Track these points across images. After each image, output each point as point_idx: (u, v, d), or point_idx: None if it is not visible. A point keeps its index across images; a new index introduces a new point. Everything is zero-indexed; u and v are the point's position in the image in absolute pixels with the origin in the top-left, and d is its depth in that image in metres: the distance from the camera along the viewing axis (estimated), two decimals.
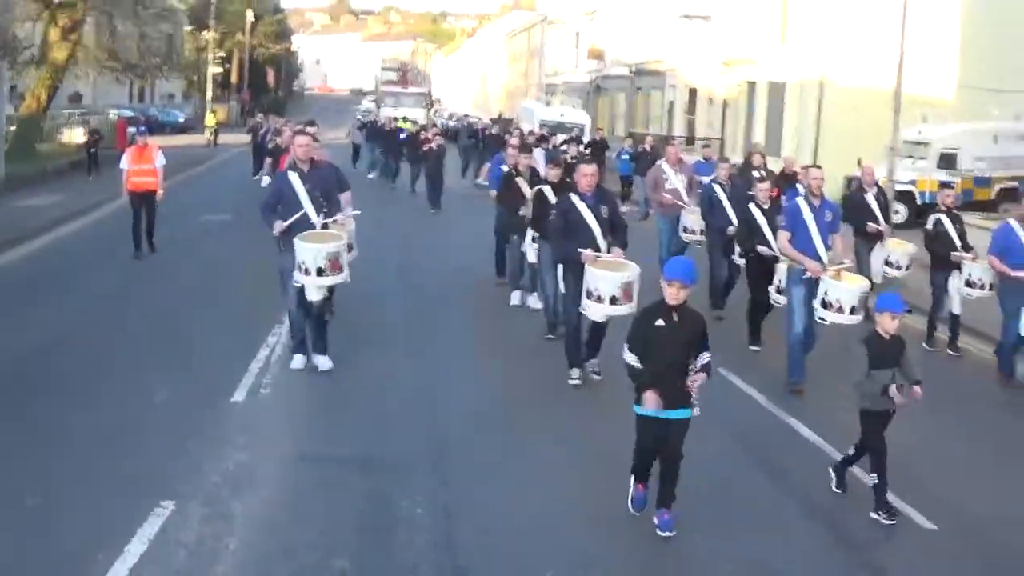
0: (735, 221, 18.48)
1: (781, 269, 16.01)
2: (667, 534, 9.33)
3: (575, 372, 14.28)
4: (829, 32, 42.42)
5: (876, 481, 10.26)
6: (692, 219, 20.60)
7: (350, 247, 15.07)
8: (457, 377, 14.40)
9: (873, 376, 10.16)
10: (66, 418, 11.61)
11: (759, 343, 17.00)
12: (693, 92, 58.64)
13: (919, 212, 31.00)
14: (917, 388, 10.20)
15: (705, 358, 9.35)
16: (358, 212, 15.49)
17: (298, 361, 14.13)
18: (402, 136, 42.01)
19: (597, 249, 13.80)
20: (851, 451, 10.71)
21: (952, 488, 11.15)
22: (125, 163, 22.96)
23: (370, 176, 44.01)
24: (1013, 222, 16.44)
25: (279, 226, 13.57)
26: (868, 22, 39.81)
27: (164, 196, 23.34)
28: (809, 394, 14.27)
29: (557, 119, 55.95)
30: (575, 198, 14.16)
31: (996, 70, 37.01)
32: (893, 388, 10.02)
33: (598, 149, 40.96)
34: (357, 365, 14.33)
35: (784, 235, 15.02)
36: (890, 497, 10.18)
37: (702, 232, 20.29)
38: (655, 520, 9.39)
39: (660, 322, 9.29)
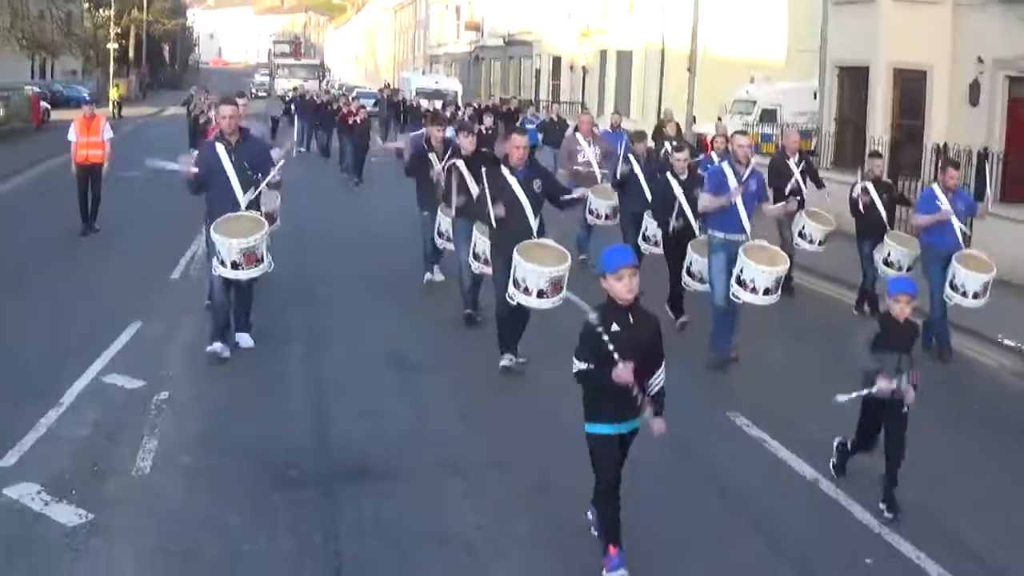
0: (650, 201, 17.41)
1: (694, 249, 15.43)
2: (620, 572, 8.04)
3: (506, 357, 13.43)
4: (670, 3, 46.78)
5: (841, 448, 10.38)
6: (600, 202, 19.32)
7: (272, 218, 15.10)
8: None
9: (877, 357, 9.67)
10: (65, 286, 17.50)
11: (683, 314, 16.05)
12: (557, 60, 64.51)
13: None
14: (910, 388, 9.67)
15: (660, 380, 8.16)
16: (283, 161, 14.35)
17: (216, 348, 13.51)
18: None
19: (528, 228, 13.13)
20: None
21: None
22: (73, 135, 22.19)
23: (300, 150, 40.90)
24: (936, 188, 15.85)
25: (185, 167, 13.39)
26: None
27: (110, 169, 22.92)
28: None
29: (433, 86, 61.51)
30: (506, 172, 13.26)
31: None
32: (883, 379, 9.52)
33: (512, 119, 40.73)
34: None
35: (706, 197, 14.19)
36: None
37: (607, 217, 19.30)
38: (602, 559, 8.11)
39: (616, 328, 7.88)
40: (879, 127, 29.28)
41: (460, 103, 47.95)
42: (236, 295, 13.76)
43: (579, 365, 7.97)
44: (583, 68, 58.42)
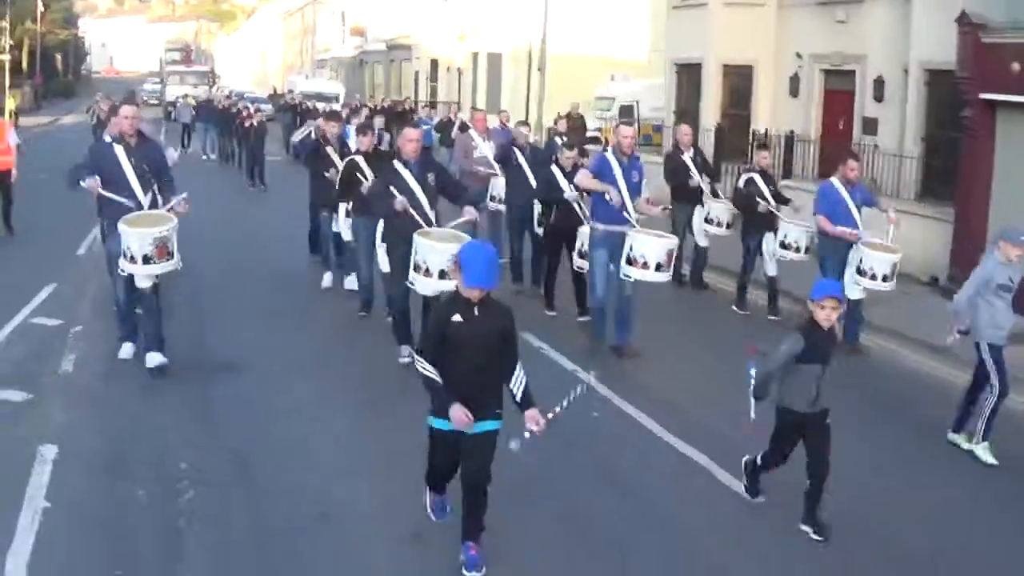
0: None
1: (584, 233, 15.52)
2: (475, 574, 8.15)
3: (404, 349, 13.72)
4: (537, 7, 47.93)
5: (750, 467, 9.79)
6: (502, 185, 19.37)
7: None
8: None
9: (800, 370, 9.10)
10: None
11: (554, 308, 16.93)
12: (435, 63, 67.89)
13: None
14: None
15: (520, 381, 8.09)
16: (186, 195, 13.46)
17: (126, 350, 13.86)
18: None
19: (426, 219, 13.15)
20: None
21: None
22: None
23: (204, 157, 43.84)
24: (835, 181, 15.59)
25: (91, 182, 12.70)
26: None
27: (18, 175, 23.68)
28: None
29: (316, 90, 64.82)
30: (399, 165, 13.33)
31: None
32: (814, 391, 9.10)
33: (405, 119, 39.93)
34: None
35: (586, 173, 14.47)
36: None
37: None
38: (461, 557, 8.26)
39: (458, 318, 7.87)
40: (710, 118, 32.75)
41: (355, 105, 47.16)
42: (144, 311, 13.54)
43: (423, 366, 7.94)
44: (458, 70, 62.00)
